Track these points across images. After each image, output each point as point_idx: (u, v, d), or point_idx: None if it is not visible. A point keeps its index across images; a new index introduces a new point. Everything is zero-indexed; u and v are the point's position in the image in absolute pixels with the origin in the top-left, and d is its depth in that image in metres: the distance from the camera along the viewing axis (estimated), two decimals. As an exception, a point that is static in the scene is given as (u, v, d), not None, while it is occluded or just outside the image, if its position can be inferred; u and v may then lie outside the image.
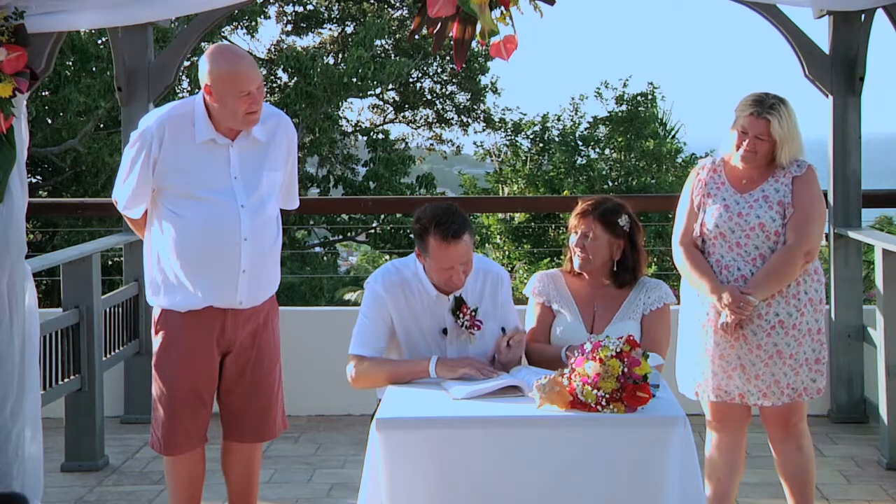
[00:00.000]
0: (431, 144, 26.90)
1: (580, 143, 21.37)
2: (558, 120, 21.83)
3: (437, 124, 26.50)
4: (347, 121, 25.65)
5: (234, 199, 4.09)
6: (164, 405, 4.19)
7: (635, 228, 4.35)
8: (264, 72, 23.16)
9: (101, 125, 19.61)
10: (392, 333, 4.22)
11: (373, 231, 22.79)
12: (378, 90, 25.12)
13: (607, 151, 21.56)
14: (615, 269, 4.32)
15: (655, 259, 18.58)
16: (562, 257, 4.68)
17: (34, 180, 20.01)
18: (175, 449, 4.21)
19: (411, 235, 21.09)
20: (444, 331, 4.21)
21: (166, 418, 4.19)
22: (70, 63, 18.74)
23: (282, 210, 4.31)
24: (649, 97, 21.72)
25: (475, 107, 25.76)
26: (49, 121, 19.28)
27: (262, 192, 4.14)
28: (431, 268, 4.17)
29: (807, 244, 4.25)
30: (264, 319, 4.26)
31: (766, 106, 4.27)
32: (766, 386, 4.28)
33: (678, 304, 4.48)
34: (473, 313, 4.20)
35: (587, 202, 4.35)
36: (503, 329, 4.24)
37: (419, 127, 26.64)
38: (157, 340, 4.22)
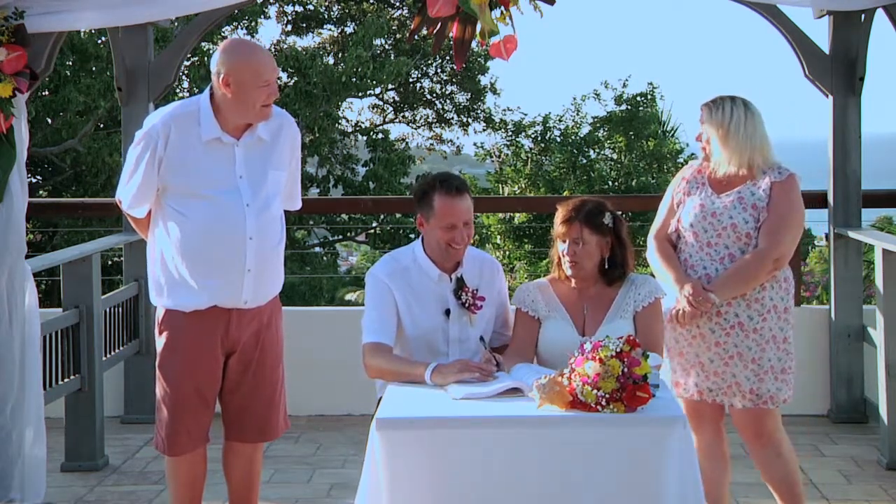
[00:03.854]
0: (431, 144, 26.90)
1: (582, 143, 21.37)
2: (560, 120, 21.83)
3: (437, 124, 26.50)
4: (347, 121, 25.66)
5: (239, 197, 4.08)
6: (168, 406, 4.18)
7: (618, 223, 4.33)
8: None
9: (101, 125, 19.60)
10: (398, 319, 4.24)
11: (372, 231, 22.79)
12: (378, 90, 25.13)
13: (608, 151, 21.55)
14: (605, 266, 4.31)
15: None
16: (548, 263, 4.66)
17: (34, 180, 19.99)
18: (178, 449, 4.21)
19: (411, 235, 21.09)
20: (447, 312, 4.25)
21: (170, 419, 4.18)
22: (70, 63, 18.73)
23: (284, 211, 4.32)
24: (649, 97, 21.73)
25: (475, 107, 25.76)
26: (49, 121, 19.26)
27: (267, 190, 4.14)
28: (434, 228, 4.21)
29: (777, 250, 4.25)
30: (268, 320, 4.26)
31: (707, 102, 4.37)
32: (726, 385, 4.30)
33: (666, 295, 4.47)
34: (475, 292, 4.26)
35: (568, 208, 4.31)
36: (481, 338, 4.24)
37: (419, 127, 26.64)
38: (160, 341, 4.21)
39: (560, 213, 4.32)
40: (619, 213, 4.39)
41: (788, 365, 4.33)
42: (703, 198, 4.37)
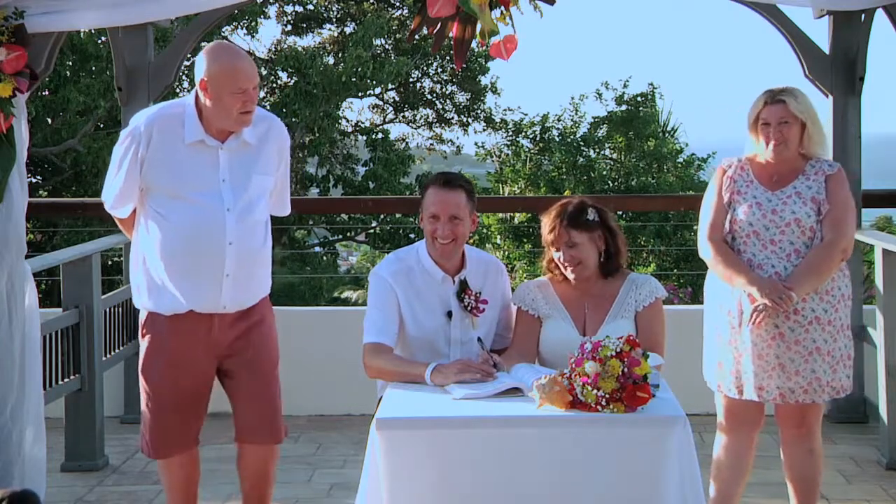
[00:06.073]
0: (431, 144, 26.91)
1: (581, 143, 21.38)
2: (558, 120, 21.84)
3: (437, 124, 26.51)
4: (347, 121, 25.66)
5: (220, 201, 4.04)
6: (151, 410, 4.16)
7: (603, 214, 4.31)
8: (264, 72, 23.17)
9: (101, 125, 19.61)
10: (400, 319, 4.23)
11: (372, 231, 22.80)
12: (378, 90, 25.14)
13: (607, 151, 21.57)
14: (603, 259, 4.29)
15: (654, 258, 18.57)
16: (539, 267, 4.62)
17: (34, 180, 19.99)
18: (162, 452, 4.20)
19: (411, 235, 21.03)
20: (449, 314, 4.25)
21: (153, 423, 4.16)
22: (70, 63, 18.74)
23: (275, 216, 4.28)
24: (649, 97, 21.74)
25: (475, 107, 25.77)
26: (49, 121, 19.27)
27: (250, 195, 4.09)
28: (423, 220, 4.24)
29: (844, 240, 4.25)
30: (256, 322, 4.19)
31: (776, 92, 4.32)
32: (806, 383, 4.24)
33: (667, 295, 4.46)
34: (478, 295, 4.25)
35: (551, 216, 4.29)
36: (479, 339, 4.23)
37: (419, 127, 26.65)
38: (143, 343, 4.18)
39: (545, 223, 4.31)
40: (620, 212, 4.39)
41: (851, 351, 4.35)
42: (757, 195, 4.32)
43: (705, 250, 4.38)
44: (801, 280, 4.19)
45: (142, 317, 4.20)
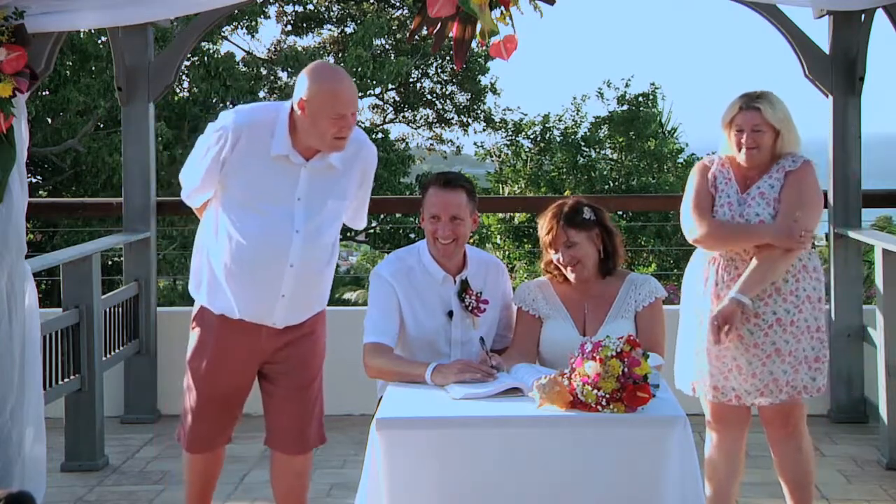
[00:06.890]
0: (431, 144, 26.91)
1: (582, 143, 21.39)
2: (559, 120, 21.84)
3: (437, 124, 26.50)
4: (347, 121, 25.64)
5: (290, 221, 3.97)
6: (192, 404, 4.17)
7: (599, 213, 4.31)
8: (264, 72, 23.19)
9: (101, 125, 19.60)
10: (400, 319, 4.23)
11: (372, 231, 22.79)
12: (378, 90, 25.13)
13: (608, 151, 21.57)
14: (601, 258, 4.29)
15: (654, 258, 18.58)
16: (538, 267, 4.63)
17: (34, 180, 19.99)
18: (197, 448, 4.22)
19: (411, 235, 20.99)
20: (450, 314, 4.25)
21: (193, 418, 4.17)
22: (70, 63, 18.74)
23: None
24: (650, 97, 21.74)
25: (475, 107, 25.76)
26: (49, 121, 19.27)
27: (322, 218, 4.02)
28: (425, 220, 4.24)
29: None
30: (306, 334, 4.17)
31: (752, 97, 4.28)
32: (763, 385, 4.25)
33: (667, 295, 4.46)
34: (479, 295, 4.25)
35: (547, 217, 4.29)
36: (481, 338, 4.22)
37: (419, 127, 26.64)
38: (192, 336, 4.17)
39: (542, 225, 4.32)
40: (620, 212, 4.39)
41: (822, 354, 4.33)
42: (731, 195, 4.31)
43: (694, 226, 4.29)
44: (748, 284, 4.15)
45: (195, 308, 4.18)
